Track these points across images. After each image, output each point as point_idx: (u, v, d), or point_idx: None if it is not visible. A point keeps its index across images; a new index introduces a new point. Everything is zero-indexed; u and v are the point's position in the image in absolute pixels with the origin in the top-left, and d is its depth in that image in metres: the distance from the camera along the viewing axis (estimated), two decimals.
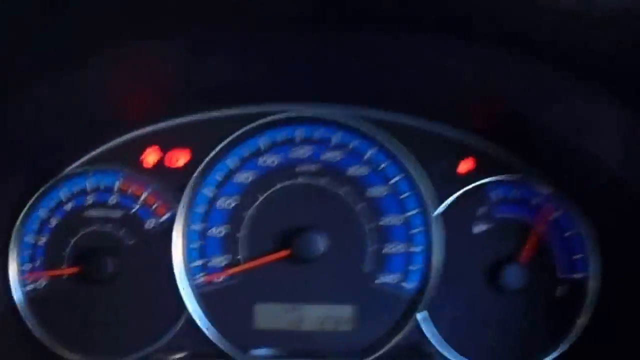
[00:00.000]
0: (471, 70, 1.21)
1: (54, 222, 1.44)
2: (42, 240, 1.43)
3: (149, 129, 1.45)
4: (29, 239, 1.43)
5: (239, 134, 1.43)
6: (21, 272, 1.42)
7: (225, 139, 1.43)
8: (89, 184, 1.44)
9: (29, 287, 1.43)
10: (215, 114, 1.44)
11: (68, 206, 1.44)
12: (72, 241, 1.43)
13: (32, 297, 1.43)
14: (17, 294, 1.42)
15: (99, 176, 1.44)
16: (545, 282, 1.43)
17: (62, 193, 1.44)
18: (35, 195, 1.43)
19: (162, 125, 1.45)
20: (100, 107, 1.33)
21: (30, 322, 1.42)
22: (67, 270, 1.42)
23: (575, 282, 1.42)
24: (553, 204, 1.43)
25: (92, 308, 1.43)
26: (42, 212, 1.44)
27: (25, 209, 1.42)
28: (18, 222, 1.42)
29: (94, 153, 1.45)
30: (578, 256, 1.43)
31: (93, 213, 1.44)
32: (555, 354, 1.42)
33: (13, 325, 1.41)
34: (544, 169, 1.43)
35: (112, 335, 1.43)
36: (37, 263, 1.42)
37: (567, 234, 1.43)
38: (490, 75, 1.22)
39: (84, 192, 1.44)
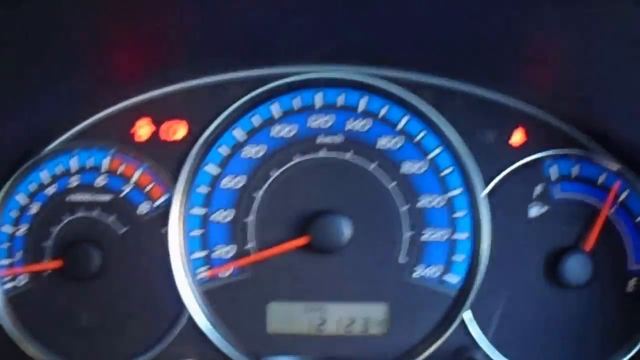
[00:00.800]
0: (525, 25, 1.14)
1: (34, 209, 1.37)
2: (21, 230, 1.37)
3: (141, 97, 1.39)
4: (6, 229, 1.37)
5: (247, 100, 1.37)
6: None
7: (230, 105, 1.36)
8: (72, 163, 1.38)
9: (7, 286, 1.37)
10: (217, 78, 1.38)
11: (49, 190, 1.38)
12: (54, 231, 1.37)
13: (10, 297, 1.37)
14: None
15: (84, 154, 1.38)
16: (614, 275, 1.36)
17: (43, 175, 1.38)
18: (12, 178, 1.37)
19: (156, 93, 1.38)
20: (85, 70, 1.24)
21: (8, 325, 1.36)
22: (48, 265, 1.36)
23: None
24: (622, 182, 1.37)
25: (78, 309, 1.37)
26: (20, 198, 1.37)
27: (1, 194, 1.37)
28: None
29: (78, 127, 1.39)
30: None
31: (78, 197, 1.38)
32: None
33: None
34: (610, 143, 1.35)
35: (100, 340, 1.37)
36: (16, 257, 1.37)
37: (638, 219, 1.36)
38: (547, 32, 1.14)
39: (67, 173, 1.38)
